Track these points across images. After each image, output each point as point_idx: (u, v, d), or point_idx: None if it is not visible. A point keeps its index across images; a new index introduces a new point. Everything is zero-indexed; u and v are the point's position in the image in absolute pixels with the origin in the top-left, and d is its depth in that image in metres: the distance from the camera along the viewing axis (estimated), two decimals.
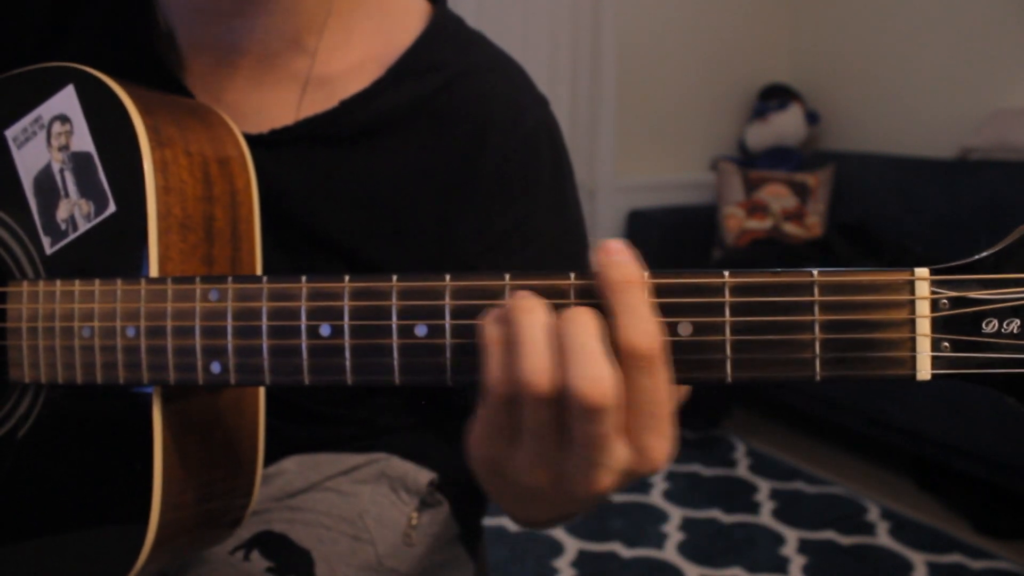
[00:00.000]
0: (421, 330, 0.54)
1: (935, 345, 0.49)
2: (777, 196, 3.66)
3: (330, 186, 0.83)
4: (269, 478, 0.91)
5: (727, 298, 0.50)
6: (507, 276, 0.53)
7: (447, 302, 0.53)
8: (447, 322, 0.53)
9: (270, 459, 0.91)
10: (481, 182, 0.83)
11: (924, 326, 0.49)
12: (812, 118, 3.99)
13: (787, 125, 3.89)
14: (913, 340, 0.49)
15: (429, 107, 0.83)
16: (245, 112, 0.83)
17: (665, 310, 0.51)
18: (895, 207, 3.44)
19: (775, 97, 3.99)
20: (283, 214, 0.82)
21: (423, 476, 0.93)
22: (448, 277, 0.54)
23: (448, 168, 0.83)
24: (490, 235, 0.83)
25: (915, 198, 3.37)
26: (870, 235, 3.37)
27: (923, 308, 0.49)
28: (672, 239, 3.74)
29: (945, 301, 0.48)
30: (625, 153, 3.84)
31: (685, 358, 0.51)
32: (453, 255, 0.84)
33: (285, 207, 0.82)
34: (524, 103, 0.86)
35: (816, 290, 0.49)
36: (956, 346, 0.48)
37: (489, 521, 2.57)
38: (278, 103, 0.83)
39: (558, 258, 0.85)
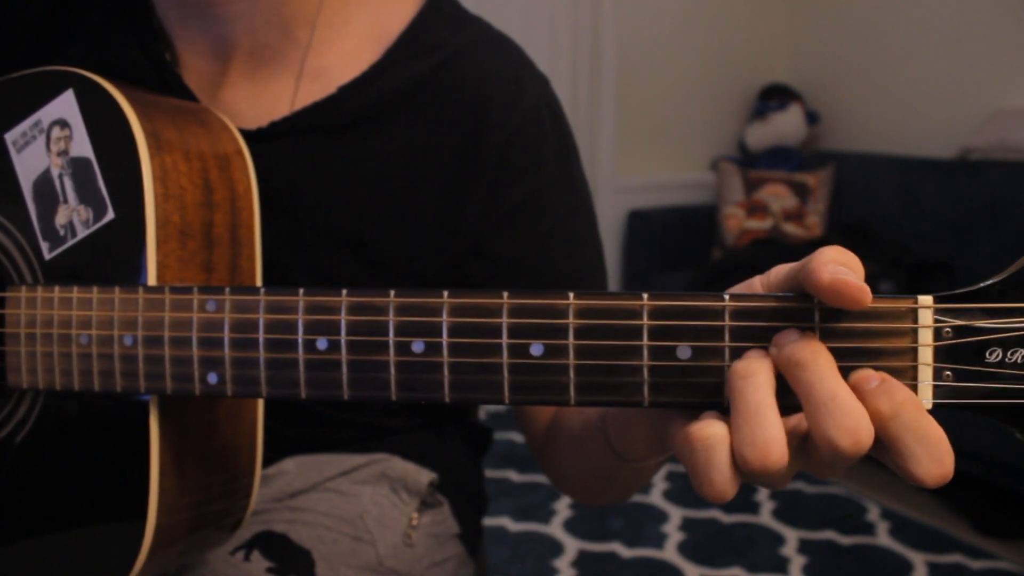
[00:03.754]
0: (418, 346, 0.53)
1: (937, 374, 0.48)
2: (777, 196, 3.66)
3: (333, 175, 0.83)
4: (269, 479, 0.91)
5: (727, 322, 0.49)
6: (505, 294, 0.52)
7: (444, 319, 0.53)
8: (444, 339, 0.53)
9: (270, 460, 0.91)
10: (485, 160, 0.83)
11: (927, 355, 0.48)
12: (812, 118, 3.99)
13: (787, 125, 3.89)
14: (915, 369, 0.48)
15: (427, 87, 0.83)
16: (242, 108, 0.83)
17: (665, 333, 0.50)
18: (895, 207, 3.44)
19: (775, 97, 3.99)
20: (288, 207, 0.83)
21: (423, 476, 0.93)
22: (446, 294, 0.53)
23: (451, 148, 0.83)
24: (498, 213, 0.83)
25: (915, 198, 3.37)
26: (870, 235, 3.37)
27: (926, 336, 0.47)
28: (672, 239, 3.74)
29: (948, 330, 0.47)
30: (625, 153, 3.84)
31: (684, 381, 0.50)
32: (463, 235, 0.84)
33: (289, 200, 0.83)
34: (524, 79, 0.86)
35: (817, 316, 0.48)
36: (959, 375, 0.47)
37: (489, 521, 2.55)
38: (274, 96, 0.83)
39: (570, 233, 0.86)
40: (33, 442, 0.71)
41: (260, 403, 0.77)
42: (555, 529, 2.57)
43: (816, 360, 0.46)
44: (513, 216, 0.84)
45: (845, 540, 2.53)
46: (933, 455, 0.45)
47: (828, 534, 2.56)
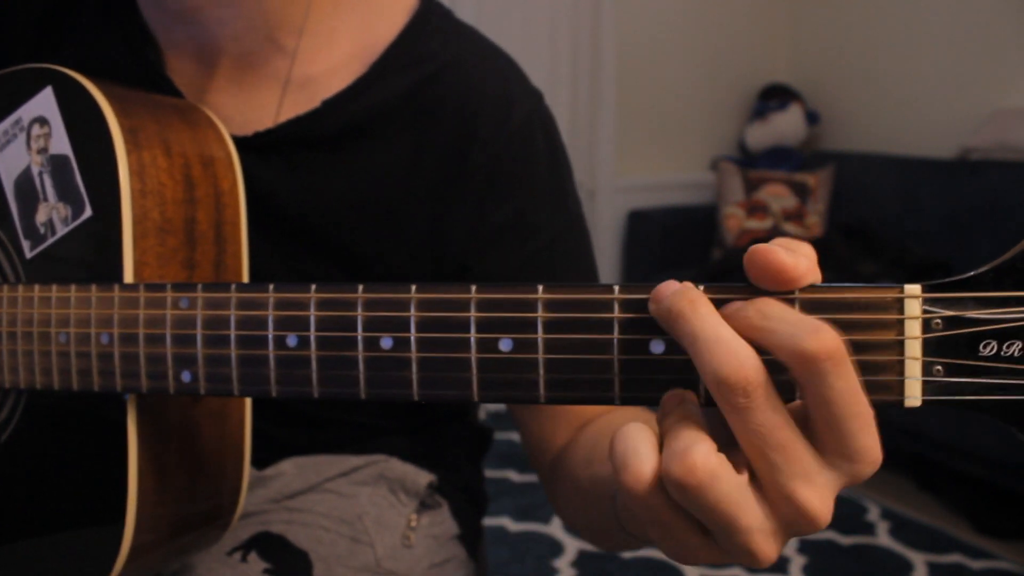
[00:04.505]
0: (387, 342, 0.53)
1: (926, 369, 0.44)
2: (777, 196, 3.65)
3: (319, 187, 0.82)
4: (267, 480, 0.90)
5: None
6: (473, 288, 0.51)
7: (412, 314, 0.52)
8: (412, 335, 0.52)
9: (267, 462, 0.91)
10: (472, 177, 0.81)
11: (914, 348, 0.44)
12: (812, 118, 3.98)
13: (787, 125, 3.89)
14: (902, 363, 0.44)
15: (415, 101, 0.82)
16: (228, 113, 0.82)
17: (637, 326, 0.48)
18: (895, 207, 3.44)
19: (775, 97, 3.99)
20: (274, 218, 0.82)
21: (422, 478, 0.93)
22: (414, 288, 0.52)
23: (437, 163, 0.82)
24: (485, 232, 0.82)
25: (915, 198, 3.37)
26: (870, 235, 3.36)
27: (913, 328, 0.44)
28: (672, 239, 3.74)
29: (938, 321, 0.44)
30: (625, 153, 3.84)
31: (658, 376, 0.48)
32: (449, 253, 0.83)
33: (275, 210, 0.82)
34: (514, 95, 0.84)
35: (797, 307, 0.45)
36: (950, 370, 0.44)
37: (489, 521, 2.54)
38: (259, 105, 0.83)
39: (560, 254, 0.84)
40: (16, 442, 0.71)
41: (248, 404, 0.76)
42: (555, 529, 2.57)
43: (695, 308, 0.44)
44: (500, 236, 0.82)
45: (845, 540, 2.53)
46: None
47: (828, 534, 2.55)
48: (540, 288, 0.50)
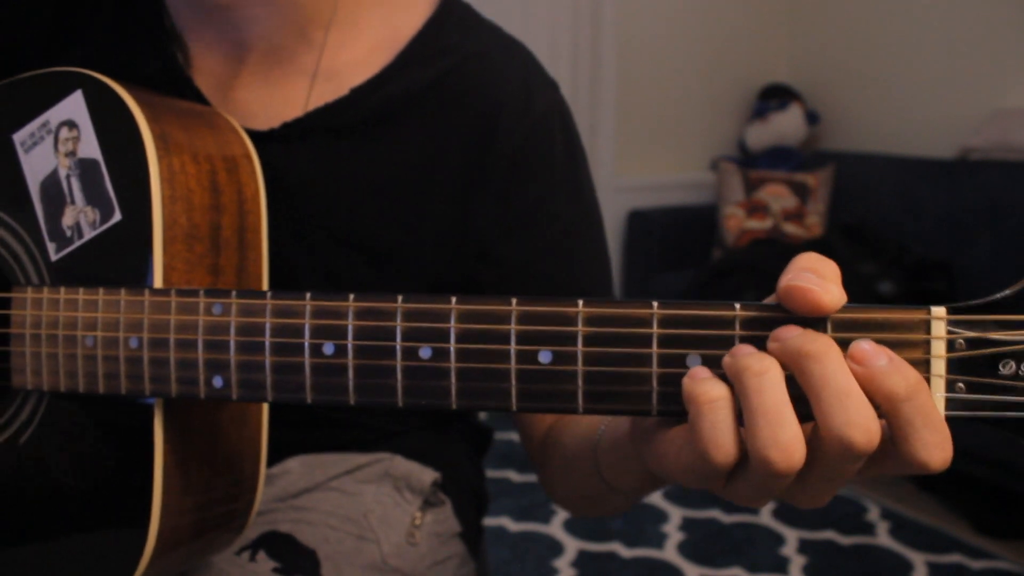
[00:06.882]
0: (425, 352, 0.53)
1: (950, 386, 0.47)
2: (777, 196, 3.65)
3: (344, 176, 0.83)
4: (273, 478, 0.91)
5: (737, 331, 0.49)
6: (513, 301, 0.52)
7: (452, 325, 0.53)
8: (452, 345, 0.53)
9: (273, 460, 0.91)
10: (495, 165, 0.83)
11: (939, 366, 0.47)
12: (812, 118, 3.98)
13: (787, 125, 3.89)
14: (928, 380, 0.47)
15: (439, 91, 0.83)
16: (255, 109, 0.83)
17: (675, 342, 0.50)
18: (895, 207, 3.44)
19: (775, 97, 3.99)
20: (299, 208, 0.83)
21: (426, 475, 0.94)
22: (454, 300, 0.53)
23: (461, 152, 0.83)
24: (507, 218, 0.84)
25: (915, 198, 3.37)
26: (870, 235, 3.37)
27: (939, 348, 0.47)
28: (672, 239, 3.74)
29: (961, 341, 0.47)
30: (625, 153, 3.84)
31: None
32: (471, 239, 0.84)
33: (300, 201, 0.83)
34: (534, 85, 0.86)
35: (829, 327, 0.48)
36: (972, 388, 0.47)
37: (489, 521, 2.55)
38: (287, 98, 0.84)
39: (577, 242, 0.86)
40: (37, 443, 0.71)
41: (265, 406, 0.77)
42: (555, 529, 2.58)
43: (829, 353, 0.45)
44: (521, 222, 0.84)
45: (845, 540, 2.54)
46: (936, 441, 0.44)
47: (828, 534, 2.56)
48: (580, 302, 0.51)
